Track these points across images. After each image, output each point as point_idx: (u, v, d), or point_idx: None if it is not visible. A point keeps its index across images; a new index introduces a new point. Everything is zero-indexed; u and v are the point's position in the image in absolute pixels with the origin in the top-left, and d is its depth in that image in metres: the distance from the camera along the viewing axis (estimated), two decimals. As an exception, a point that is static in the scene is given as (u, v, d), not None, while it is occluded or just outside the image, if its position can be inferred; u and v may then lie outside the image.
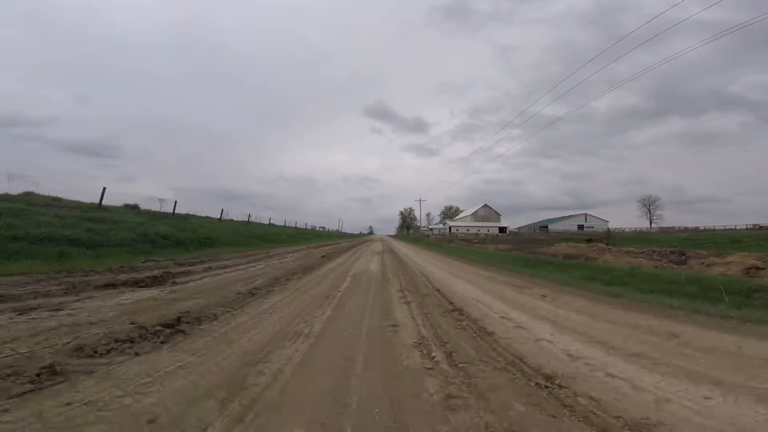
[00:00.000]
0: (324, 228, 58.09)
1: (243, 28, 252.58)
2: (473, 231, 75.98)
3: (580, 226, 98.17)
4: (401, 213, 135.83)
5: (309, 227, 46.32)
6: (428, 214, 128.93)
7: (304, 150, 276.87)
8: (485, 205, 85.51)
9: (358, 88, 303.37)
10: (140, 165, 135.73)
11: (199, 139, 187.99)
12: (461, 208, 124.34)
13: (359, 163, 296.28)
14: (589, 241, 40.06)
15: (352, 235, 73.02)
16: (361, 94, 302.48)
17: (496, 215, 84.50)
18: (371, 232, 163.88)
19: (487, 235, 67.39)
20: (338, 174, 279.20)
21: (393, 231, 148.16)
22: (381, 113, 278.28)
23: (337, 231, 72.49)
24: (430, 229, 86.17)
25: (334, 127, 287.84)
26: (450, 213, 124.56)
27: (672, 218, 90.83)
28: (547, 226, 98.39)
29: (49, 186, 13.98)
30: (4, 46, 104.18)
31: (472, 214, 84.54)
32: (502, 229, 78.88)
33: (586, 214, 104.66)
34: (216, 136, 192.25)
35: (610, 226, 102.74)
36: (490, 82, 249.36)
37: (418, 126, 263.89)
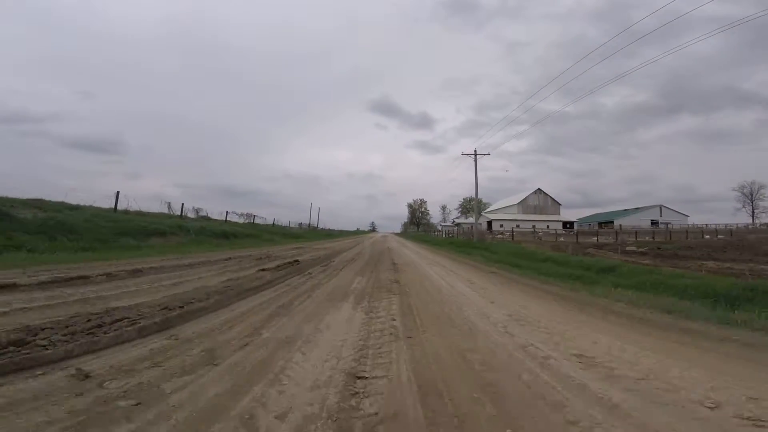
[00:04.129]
0: (251, 220, 28.40)
1: (245, 24, 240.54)
2: (526, 228, 49.01)
3: (654, 222, 73.95)
4: (410, 206, 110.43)
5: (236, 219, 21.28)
6: (443, 208, 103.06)
7: (307, 146, 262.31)
8: (538, 191, 58.99)
9: (362, 83, 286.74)
10: (145, 162, 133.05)
11: (202, 136, 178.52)
12: (485, 201, 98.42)
13: (363, 160, 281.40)
14: None
15: (328, 235, 45.11)
16: (365, 90, 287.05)
17: (555, 205, 58.36)
18: (373, 229, 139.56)
19: (547, 231, 41.30)
20: (342, 171, 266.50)
21: (398, 228, 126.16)
22: (386, 109, 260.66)
23: (299, 228, 43.36)
24: (457, 225, 59.95)
25: (338, 122, 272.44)
26: (471, 206, 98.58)
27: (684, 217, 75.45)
28: (612, 221, 73.29)
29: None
30: (7, 42, 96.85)
31: (519, 203, 58.10)
32: (566, 225, 52.48)
33: (661, 207, 79.35)
34: (218, 133, 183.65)
35: (690, 221, 78.25)
36: (497, 78, 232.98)
37: (424, 122, 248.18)
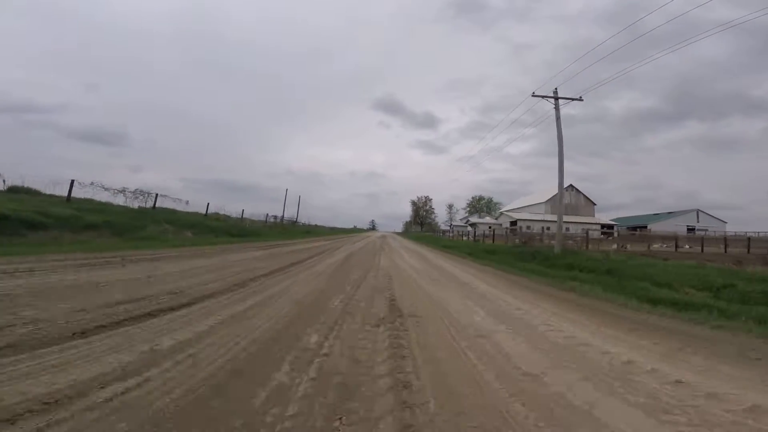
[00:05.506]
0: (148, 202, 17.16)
1: (250, 19, 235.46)
2: (552, 230, 38.71)
3: (691, 228, 65.94)
4: (413, 203, 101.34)
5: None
6: (450, 206, 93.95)
7: (310, 144, 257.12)
8: (570, 187, 49.47)
9: (366, 82, 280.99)
10: (148, 154, 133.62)
11: (206, 130, 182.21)
12: (495, 200, 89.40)
13: (366, 158, 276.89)
14: None
15: (307, 232, 34.70)
16: (369, 88, 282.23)
17: (589, 204, 48.98)
18: (373, 228, 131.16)
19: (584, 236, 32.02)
20: (344, 169, 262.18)
21: (400, 228, 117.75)
22: (389, 107, 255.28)
23: (263, 222, 31.38)
24: (471, 225, 50.54)
25: (341, 120, 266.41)
26: (480, 206, 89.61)
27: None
28: (645, 226, 64.68)
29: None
30: (14, 34, 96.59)
31: (547, 201, 48.68)
32: (605, 228, 43.14)
33: (698, 211, 71.20)
34: (221, 128, 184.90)
35: (728, 228, 69.90)
36: (503, 79, 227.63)
37: (428, 121, 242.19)
